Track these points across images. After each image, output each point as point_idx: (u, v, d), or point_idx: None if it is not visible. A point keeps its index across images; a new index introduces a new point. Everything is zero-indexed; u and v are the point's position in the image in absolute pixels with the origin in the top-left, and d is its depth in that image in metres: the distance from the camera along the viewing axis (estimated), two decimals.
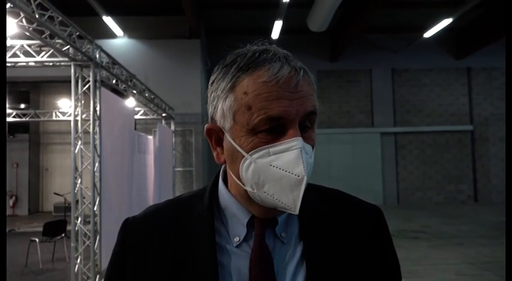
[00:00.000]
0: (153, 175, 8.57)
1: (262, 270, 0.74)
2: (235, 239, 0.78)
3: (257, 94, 0.70)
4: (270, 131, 0.70)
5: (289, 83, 0.70)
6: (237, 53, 0.75)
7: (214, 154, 0.81)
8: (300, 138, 0.70)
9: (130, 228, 0.84)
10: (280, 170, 0.69)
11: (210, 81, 0.78)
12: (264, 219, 0.78)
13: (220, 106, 0.75)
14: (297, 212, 0.69)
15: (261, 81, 0.70)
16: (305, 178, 0.68)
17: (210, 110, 0.79)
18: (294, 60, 0.74)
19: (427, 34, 13.32)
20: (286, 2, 10.07)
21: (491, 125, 15.70)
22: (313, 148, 0.75)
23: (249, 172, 0.72)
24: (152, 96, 9.02)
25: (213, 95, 0.77)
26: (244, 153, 0.72)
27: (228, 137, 0.75)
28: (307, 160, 0.70)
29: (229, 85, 0.73)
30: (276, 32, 12.45)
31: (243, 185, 0.74)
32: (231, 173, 0.78)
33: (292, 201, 0.69)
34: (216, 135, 0.79)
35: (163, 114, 10.49)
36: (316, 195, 0.87)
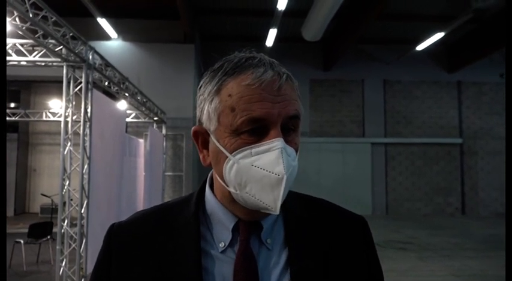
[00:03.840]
0: (143, 178, 8.52)
1: (246, 276, 0.75)
2: (220, 245, 0.78)
3: (241, 96, 0.72)
4: (252, 132, 0.72)
5: (272, 86, 0.72)
6: (225, 59, 0.78)
7: (201, 156, 0.82)
8: (281, 139, 0.71)
9: (115, 234, 0.84)
10: (261, 170, 0.71)
11: (199, 86, 0.81)
12: (250, 224, 0.79)
13: (207, 108, 0.77)
14: (277, 212, 0.70)
15: (245, 84, 0.72)
16: (285, 177, 0.69)
17: (198, 113, 0.81)
18: (278, 66, 0.76)
19: (420, 47, 13.48)
20: (281, 10, 10.13)
21: (480, 138, 15.88)
22: (296, 152, 0.77)
23: (232, 172, 0.74)
24: (144, 100, 8.98)
25: (200, 98, 0.79)
26: (227, 153, 0.74)
27: (212, 139, 0.77)
28: (288, 160, 0.72)
29: (215, 88, 0.76)
30: (270, 40, 12.51)
31: (227, 186, 0.76)
32: (216, 175, 0.80)
33: (273, 200, 0.70)
34: (202, 137, 0.81)
35: (155, 118, 10.45)
36: (302, 203, 0.88)
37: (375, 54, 15.65)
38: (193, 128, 0.82)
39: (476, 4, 10.24)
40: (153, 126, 10.38)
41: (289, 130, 0.75)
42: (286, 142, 0.73)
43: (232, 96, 0.73)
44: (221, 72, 0.76)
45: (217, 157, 0.77)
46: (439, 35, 12.18)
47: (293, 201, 0.85)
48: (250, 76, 0.72)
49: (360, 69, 15.61)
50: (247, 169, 0.72)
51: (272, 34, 12.06)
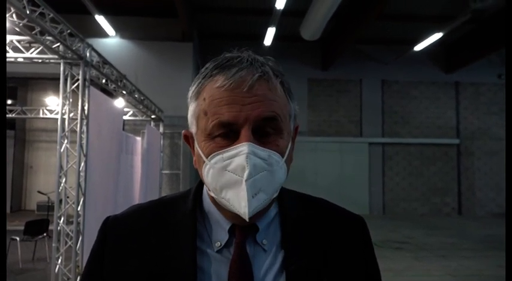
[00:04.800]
0: (140, 176, 8.50)
1: (241, 277, 0.74)
2: (216, 244, 0.78)
3: (212, 100, 0.72)
4: (225, 136, 0.71)
5: (241, 86, 0.70)
6: (212, 60, 0.77)
7: (194, 159, 0.82)
8: (248, 144, 0.69)
9: (110, 227, 0.83)
10: (231, 175, 0.69)
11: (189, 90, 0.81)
12: (245, 227, 0.77)
13: (189, 112, 0.78)
14: (247, 219, 0.69)
15: (216, 87, 0.72)
16: (246, 183, 0.67)
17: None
18: (260, 64, 0.74)
19: (418, 47, 13.49)
20: (279, 9, 10.13)
21: (477, 139, 15.91)
22: (283, 155, 0.74)
23: (209, 176, 0.73)
24: (142, 98, 8.96)
25: (188, 101, 0.79)
26: (204, 158, 0.73)
27: (195, 142, 0.77)
28: (257, 164, 0.69)
29: (195, 92, 0.76)
30: (268, 39, 12.51)
31: (209, 189, 0.76)
32: None
33: (242, 207, 0.69)
34: (191, 140, 0.81)
35: (153, 116, 10.43)
36: (299, 203, 0.86)
37: (373, 54, 15.65)
38: (182, 132, 0.83)
39: (475, 5, 10.26)
40: (150, 124, 10.36)
41: (268, 132, 0.73)
42: (265, 143, 0.72)
43: (206, 99, 0.73)
44: (202, 75, 0.76)
45: (199, 160, 0.76)
46: (437, 36, 12.19)
47: (291, 200, 0.85)
48: (221, 78, 0.71)
49: (358, 69, 15.61)
50: (221, 174, 0.71)
51: (271, 33, 12.05)
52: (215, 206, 0.79)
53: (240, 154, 0.69)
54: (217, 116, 0.70)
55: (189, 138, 0.82)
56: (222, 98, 0.71)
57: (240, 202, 0.68)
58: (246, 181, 0.67)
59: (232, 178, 0.69)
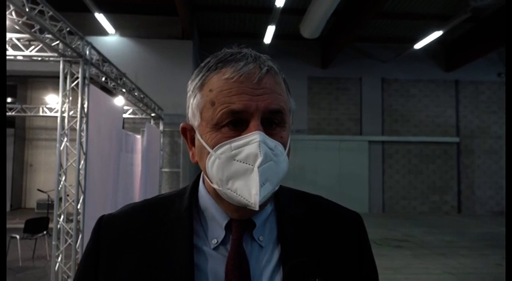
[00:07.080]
0: (140, 174, 8.50)
1: (238, 274, 0.74)
2: (212, 242, 0.78)
3: (220, 90, 0.72)
4: (233, 126, 0.72)
5: (250, 79, 0.72)
6: (212, 55, 0.78)
7: (190, 154, 0.82)
8: (260, 132, 0.70)
9: (105, 226, 0.83)
10: (240, 164, 0.70)
11: (188, 83, 0.81)
12: (242, 222, 0.78)
13: (191, 104, 0.78)
14: (256, 207, 0.69)
15: (224, 78, 0.72)
16: (259, 169, 0.68)
17: (186, 110, 0.81)
18: (264, 60, 0.76)
19: (417, 45, 13.49)
20: (279, 7, 10.11)
21: (476, 137, 15.91)
22: (285, 147, 0.76)
23: (214, 167, 0.73)
24: (142, 96, 8.95)
25: (188, 95, 0.80)
26: (209, 149, 0.73)
27: (197, 134, 0.77)
28: (268, 153, 0.70)
29: (198, 84, 0.76)
30: (268, 37, 12.50)
31: (211, 182, 0.75)
32: (203, 171, 0.80)
33: (252, 195, 0.69)
34: (190, 134, 0.81)
35: (152, 114, 10.43)
36: (296, 200, 0.87)
37: (372, 52, 15.64)
38: (181, 125, 0.82)
39: (475, 3, 10.26)
40: (150, 122, 10.35)
41: (273, 124, 0.75)
42: (270, 135, 0.73)
43: (213, 90, 0.73)
44: (205, 68, 0.76)
45: (201, 152, 0.76)
46: (437, 34, 12.19)
47: (287, 197, 0.85)
48: (230, 70, 0.72)
49: (358, 68, 15.60)
50: (228, 164, 0.71)
51: (270, 31, 12.04)
52: (215, 201, 0.79)
53: (252, 142, 0.70)
54: (227, 104, 0.71)
55: (187, 131, 0.81)
56: (231, 89, 0.72)
57: (251, 190, 0.69)
58: (258, 167, 0.68)
59: (242, 167, 0.70)
